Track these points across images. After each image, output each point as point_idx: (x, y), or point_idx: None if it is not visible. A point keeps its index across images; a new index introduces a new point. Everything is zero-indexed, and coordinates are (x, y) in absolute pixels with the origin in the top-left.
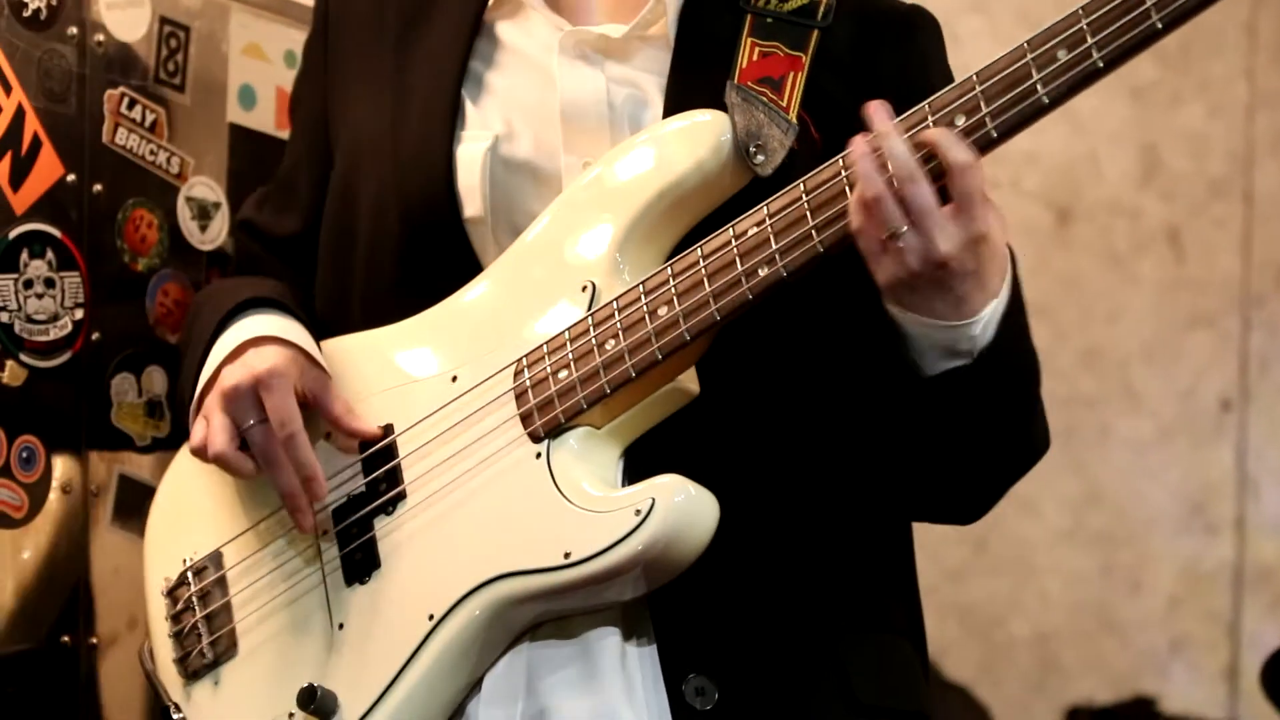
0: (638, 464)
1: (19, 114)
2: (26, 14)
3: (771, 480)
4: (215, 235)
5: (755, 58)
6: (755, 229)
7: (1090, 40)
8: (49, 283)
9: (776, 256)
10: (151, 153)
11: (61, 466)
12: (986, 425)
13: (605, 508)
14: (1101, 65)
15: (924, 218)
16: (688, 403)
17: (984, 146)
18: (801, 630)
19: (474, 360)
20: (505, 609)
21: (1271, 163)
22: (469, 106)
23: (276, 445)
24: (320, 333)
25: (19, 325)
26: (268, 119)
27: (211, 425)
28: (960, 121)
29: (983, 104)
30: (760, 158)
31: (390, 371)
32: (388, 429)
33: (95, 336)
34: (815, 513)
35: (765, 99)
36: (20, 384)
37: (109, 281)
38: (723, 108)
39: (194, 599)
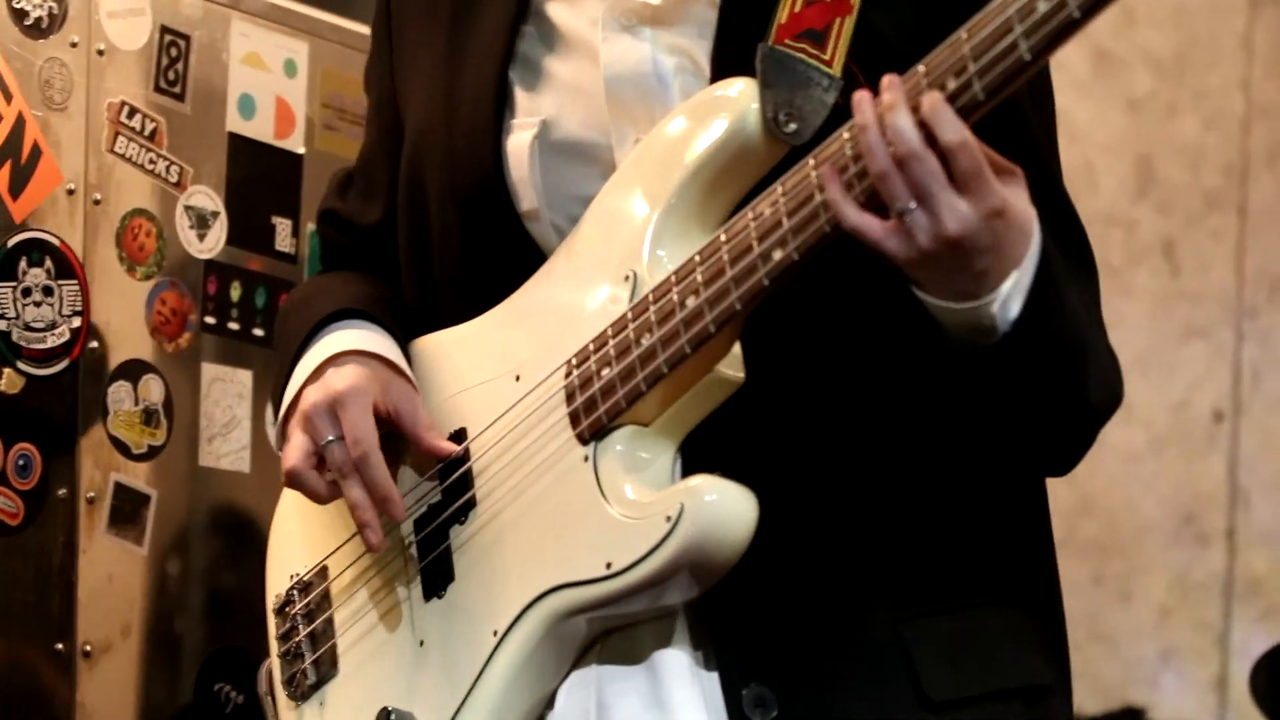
0: (694, 457)
1: (19, 122)
2: (28, 22)
3: (826, 462)
4: (213, 244)
5: (798, 8)
6: (770, 209)
7: None
8: (47, 291)
9: (789, 237)
10: (151, 161)
11: (57, 474)
12: (1030, 396)
13: (641, 514)
14: (1078, 15)
15: (930, 197)
16: (734, 391)
17: (972, 110)
18: (862, 621)
19: (534, 358)
20: (560, 622)
21: (1267, 175)
22: (518, 92)
23: (349, 462)
24: (409, 326)
25: (17, 333)
26: (267, 128)
27: (289, 444)
28: (950, 84)
29: (970, 64)
30: (792, 126)
31: (462, 373)
32: (460, 434)
33: (93, 345)
34: (872, 490)
35: (804, 55)
36: (17, 391)
37: (107, 290)
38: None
39: (299, 617)
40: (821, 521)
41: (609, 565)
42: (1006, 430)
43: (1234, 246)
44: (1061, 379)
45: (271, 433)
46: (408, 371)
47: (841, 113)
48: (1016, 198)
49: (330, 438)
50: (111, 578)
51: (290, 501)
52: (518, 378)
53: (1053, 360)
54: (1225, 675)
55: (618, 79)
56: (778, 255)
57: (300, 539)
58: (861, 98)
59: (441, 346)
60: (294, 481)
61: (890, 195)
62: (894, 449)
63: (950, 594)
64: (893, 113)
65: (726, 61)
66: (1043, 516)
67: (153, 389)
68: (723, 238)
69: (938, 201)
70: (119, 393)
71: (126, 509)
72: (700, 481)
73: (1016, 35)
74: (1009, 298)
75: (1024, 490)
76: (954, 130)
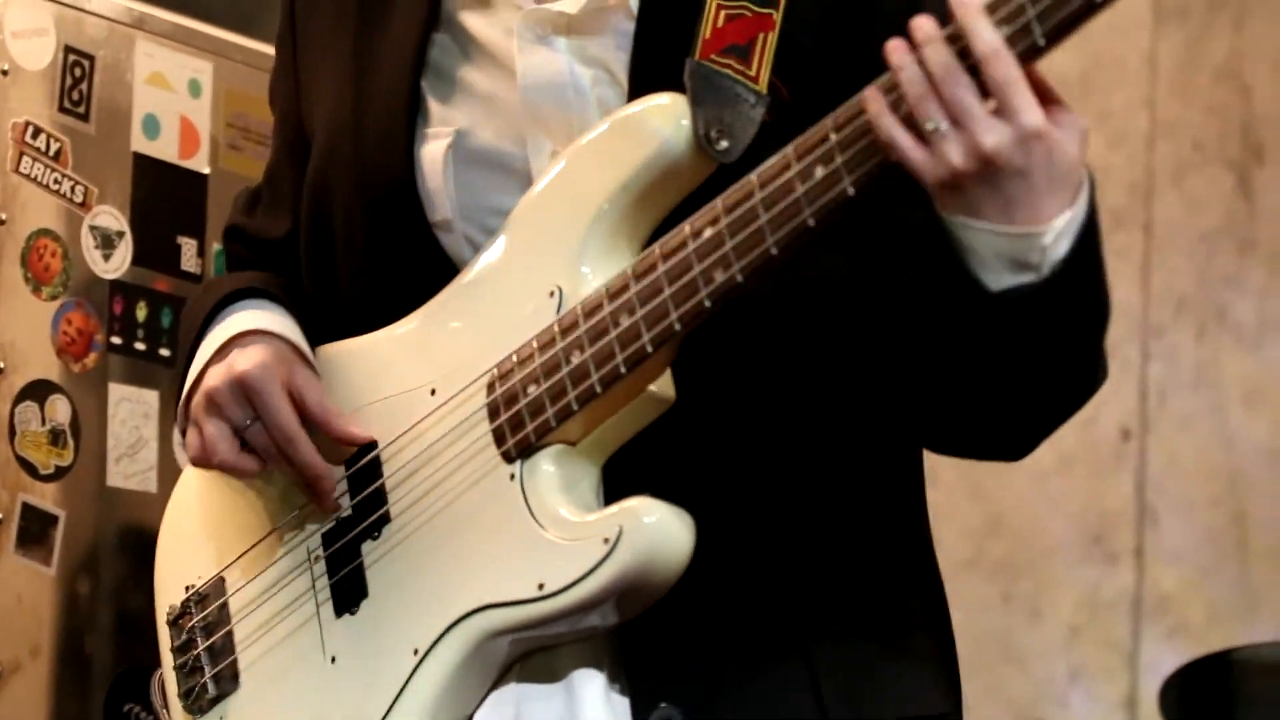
0: (618, 477)
1: None
2: None
3: (742, 483)
4: (119, 264)
5: (720, 23)
6: (711, 229)
7: None
8: None
9: (732, 258)
10: (56, 181)
11: None
12: (1052, 350)
13: (576, 535)
14: None
15: (964, 113)
16: (665, 410)
17: (1029, 55)
18: (772, 642)
19: (451, 371)
20: (486, 641)
21: (1172, 193)
22: (430, 101)
23: (270, 446)
24: (311, 329)
25: None
26: (171, 148)
27: (206, 433)
28: (1004, 31)
29: (1029, 6)
30: (724, 144)
31: (371, 384)
32: (370, 446)
33: (0, 366)
34: (784, 510)
35: (730, 72)
36: None
37: (13, 310)
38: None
39: (197, 629)
40: (735, 543)
41: (541, 586)
42: (1002, 391)
43: (1139, 264)
44: (1086, 342)
45: (180, 453)
46: (310, 357)
47: (768, 130)
48: (1063, 132)
49: (248, 421)
50: (20, 598)
51: (180, 508)
52: (433, 391)
53: (1085, 317)
54: (1134, 694)
55: (534, 89)
56: (719, 277)
57: (193, 547)
58: (895, 42)
59: (348, 355)
60: (228, 469)
61: (924, 115)
62: (807, 468)
63: (858, 616)
64: (930, 44)
65: (644, 74)
66: (930, 542)
67: (59, 409)
68: (658, 253)
69: (971, 117)
70: (26, 413)
71: (34, 529)
72: (638, 503)
73: None
74: (1061, 235)
75: (919, 515)
76: (990, 35)
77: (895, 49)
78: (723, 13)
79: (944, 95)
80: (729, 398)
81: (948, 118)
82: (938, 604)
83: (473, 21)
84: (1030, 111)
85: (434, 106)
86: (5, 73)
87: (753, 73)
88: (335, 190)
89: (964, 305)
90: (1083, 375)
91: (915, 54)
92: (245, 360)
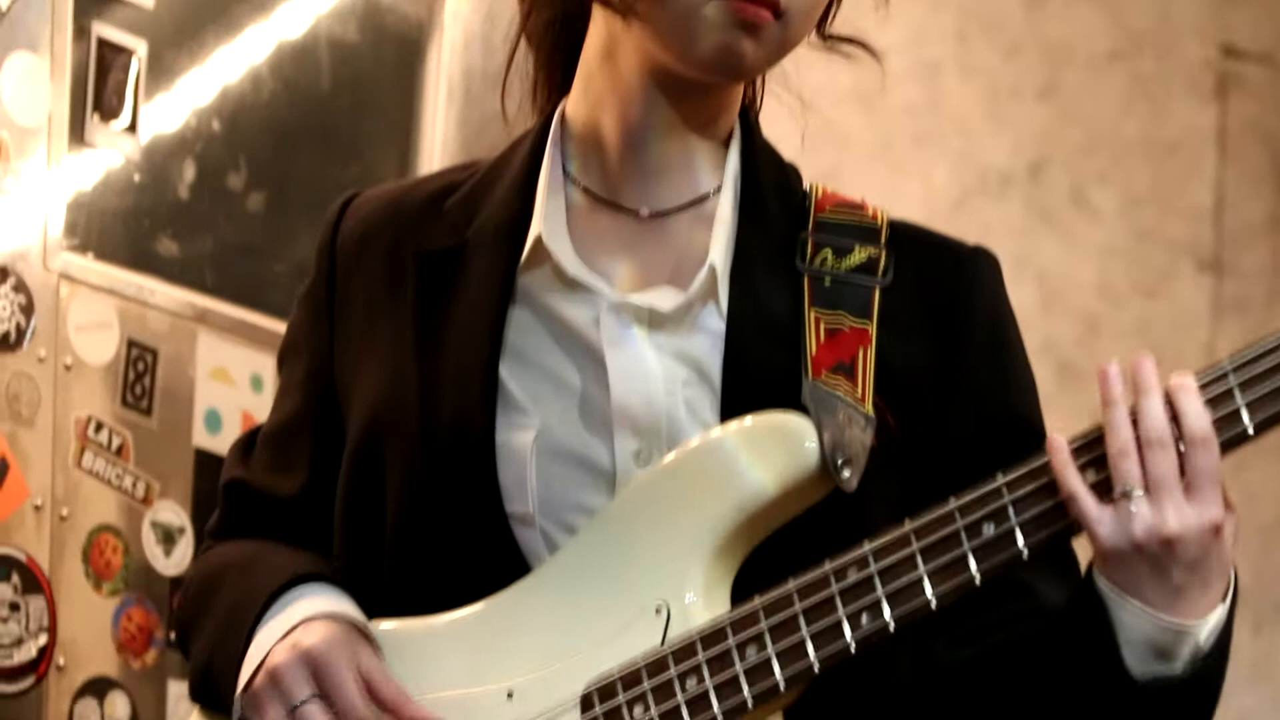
0: None
1: None
2: None
3: None
4: (180, 560)
5: (823, 338)
6: (857, 572)
7: None
8: (14, 606)
9: (883, 604)
10: (117, 476)
11: None
12: None
13: None
14: None
15: (1161, 487)
16: None
17: (1234, 441)
18: None
19: (534, 676)
20: None
21: (1232, 487)
22: (510, 387)
23: None
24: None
25: None
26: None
27: (269, 718)
28: (1212, 391)
29: (1238, 393)
30: (847, 472)
31: (436, 672)
32: None
33: (60, 662)
34: None
35: (842, 394)
36: None
37: (73, 606)
38: (794, 402)
39: None
40: None
41: None
42: None
43: None
44: None
45: None
46: (376, 641)
47: (873, 455)
48: (1229, 529)
49: (305, 696)
50: None
51: None
52: (509, 694)
53: (1207, 709)
54: None
55: (623, 384)
56: (867, 621)
57: None
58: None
59: (407, 636)
60: None
61: (1122, 476)
62: None
63: None
64: (1149, 396)
65: (738, 379)
66: None
67: (119, 706)
68: (793, 587)
69: (1167, 494)
70: (85, 710)
71: None
72: None
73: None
74: (1211, 631)
75: None
76: (1202, 423)
77: (1113, 395)
78: (822, 325)
79: (1148, 461)
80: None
81: (1143, 485)
82: None
83: (556, 303)
84: (1218, 506)
85: (515, 393)
86: (69, 367)
87: (859, 394)
88: (393, 466)
89: (1101, 687)
90: None
91: (1130, 405)
92: (311, 637)
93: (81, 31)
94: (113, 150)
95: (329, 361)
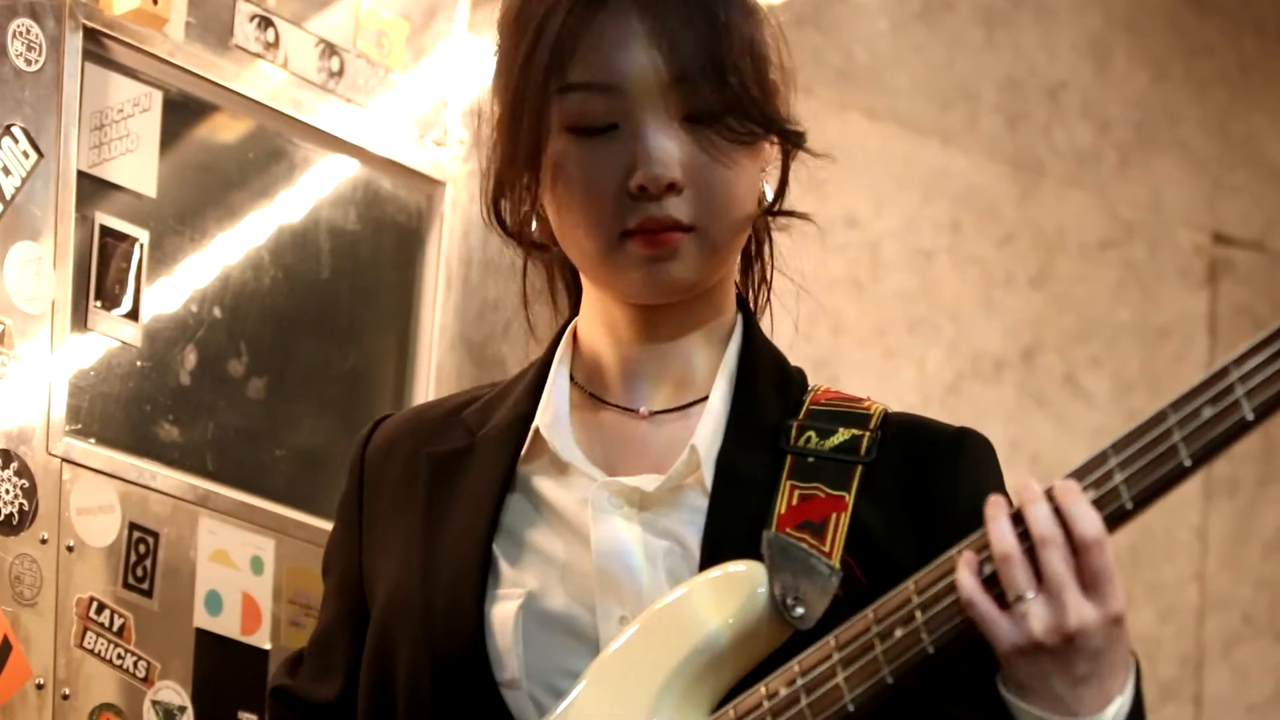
0: None
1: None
2: None
3: None
4: None
5: (795, 501)
6: (786, 689)
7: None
8: None
9: (807, 714)
10: (119, 656)
11: None
12: None
13: None
14: (1251, 419)
15: (1058, 584)
16: None
17: (1118, 519)
18: None
19: None
20: None
21: (1223, 666)
22: (502, 564)
23: None
24: None
25: None
26: (233, 624)
27: None
28: (1090, 495)
29: (1116, 472)
30: (799, 610)
31: None
32: None
33: None
34: None
35: (805, 545)
36: None
37: None
38: (760, 557)
39: None
40: None
41: None
42: None
43: None
44: None
45: None
46: None
47: (839, 604)
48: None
49: None
50: None
51: None
52: None
53: None
54: None
55: (606, 557)
56: None
57: None
58: (997, 498)
59: None
60: None
61: (1010, 582)
62: None
63: None
64: (1035, 504)
65: (716, 547)
66: None
67: None
68: (732, 715)
69: (1066, 592)
70: None
71: None
72: None
73: (1176, 441)
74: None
75: None
76: (1092, 524)
77: (996, 506)
78: (796, 492)
79: (1041, 561)
80: None
81: (1035, 587)
82: None
83: (548, 488)
84: (1118, 599)
85: (505, 568)
86: (70, 549)
87: (826, 548)
88: (399, 646)
89: None
90: None
91: (1017, 515)
92: None
93: (84, 220)
94: (114, 336)
95: (359, 568)
